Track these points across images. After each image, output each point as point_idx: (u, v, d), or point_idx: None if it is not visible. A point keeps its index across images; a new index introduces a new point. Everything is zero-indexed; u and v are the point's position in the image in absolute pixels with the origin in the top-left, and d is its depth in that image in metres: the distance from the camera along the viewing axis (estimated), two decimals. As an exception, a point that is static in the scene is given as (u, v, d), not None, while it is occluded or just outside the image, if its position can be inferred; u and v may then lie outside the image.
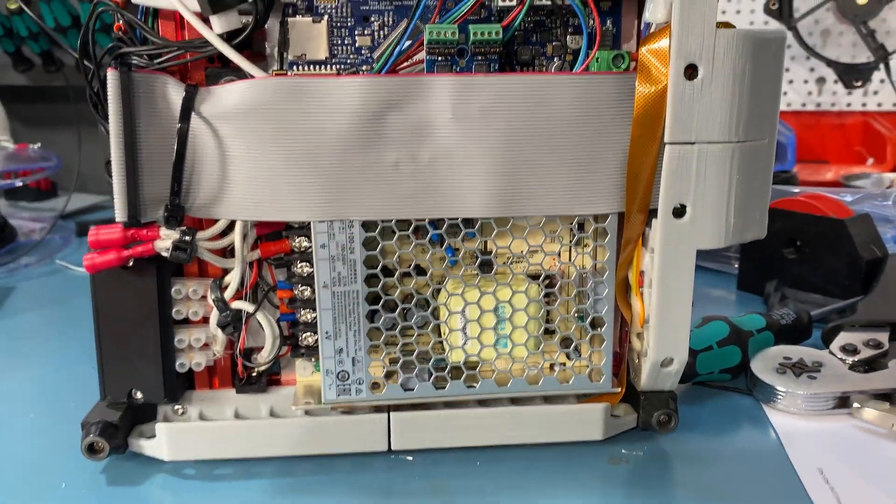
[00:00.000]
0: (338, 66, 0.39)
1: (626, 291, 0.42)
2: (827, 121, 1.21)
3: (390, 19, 0.39)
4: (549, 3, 0.37)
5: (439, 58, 0.37)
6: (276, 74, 0.39)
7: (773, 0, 1.05)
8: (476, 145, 0.38)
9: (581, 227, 0.41)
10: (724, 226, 0.39)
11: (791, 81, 1.20)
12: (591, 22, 0.39)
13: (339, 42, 0.39)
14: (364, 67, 0.39)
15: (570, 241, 0.41)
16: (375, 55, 0.39)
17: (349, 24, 0.39)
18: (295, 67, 0.39)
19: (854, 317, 0.54)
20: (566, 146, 0.38)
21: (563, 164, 0.38)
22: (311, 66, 0.39)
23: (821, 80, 1.18)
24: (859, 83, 1.04)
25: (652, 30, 0.38)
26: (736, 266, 0.72)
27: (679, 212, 0.39)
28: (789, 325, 0.55)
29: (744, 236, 0.40)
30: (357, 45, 0.39)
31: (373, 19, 0.39)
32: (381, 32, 0.39)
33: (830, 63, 1.07)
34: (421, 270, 0.40)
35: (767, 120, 0.39)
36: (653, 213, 0.39)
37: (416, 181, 0.38)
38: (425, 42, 0.37)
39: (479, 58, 0.38)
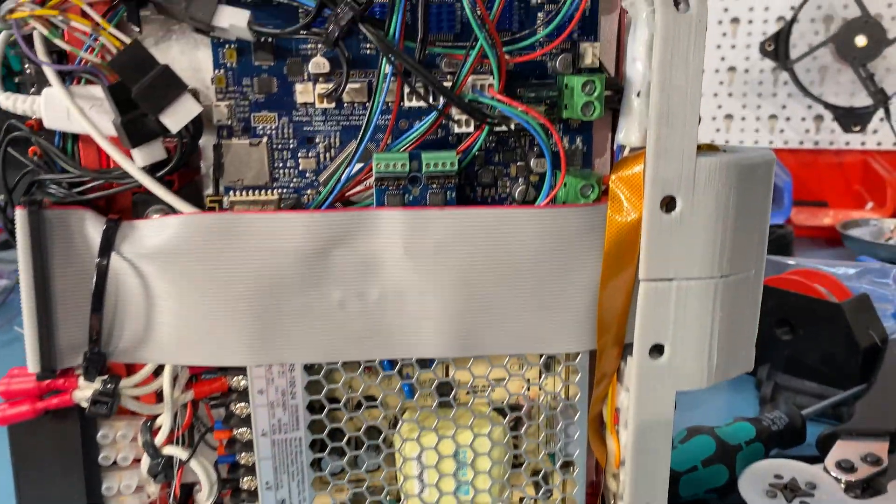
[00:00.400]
0: (280, 191, 0.36)
1: (600, 427, 0.38)
2: (825, 159, 1.17)
3: (337, 140, 0.35)
4: (506, 129, 0.34)
5: (390, 187, 0.34)
6: (210, 201, 0.35)
7: (768, 41, 1.02)
8: (430, 282, 0.34)
9: (549, 367, 0.37)
10: (707, 366, 0.35)
11: (788, 119, 1.16)
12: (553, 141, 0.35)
13: (281, 165, 0.35)
14: (308, 192, 0.36)
15: (539, 380, 0.37)
16: (322, 178, 0.36)
17: (291, 145, 0.35)
18: (231, 193, 0.35)
19: (850, 424, 0.50)
20: (530, 282, 0.34)
21: (527, 301, 0.35)
22: (250, 191, 0.35)
23: (819, 118, 1.15)
24: (858, 128, 1.00)
25: (625, 153, 0.35)
26: (727, 341, 0.68)
27: (656, 352, 0.35)
28: (781, 430, 0.51)
29: (728, 374, 0.37)
30: (301, 168, 0.35)
31: (317, 140, 0.35)
32: (328, 154, 0.35)
33: (828, 106, 1.04)
34: (373, 409, 0.37)
35: (754, 249, 0.36)
36: (628, 346, 0.36)
37: (364, 321, 0.34)
38: (374, 173, 0.33)
39: (434, 186, 0.34)
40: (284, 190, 0.36)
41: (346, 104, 0.35)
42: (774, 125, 1.18)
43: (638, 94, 0.33)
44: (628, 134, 0.34)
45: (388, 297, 0.34)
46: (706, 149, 0.35)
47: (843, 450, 0.48)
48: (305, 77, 0.34)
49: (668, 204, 0.33)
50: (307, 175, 0.36)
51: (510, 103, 0.32)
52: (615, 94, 0.35)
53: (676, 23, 0.31)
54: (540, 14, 0.35)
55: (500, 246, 0.34)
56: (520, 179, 0.36)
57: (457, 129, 0.34)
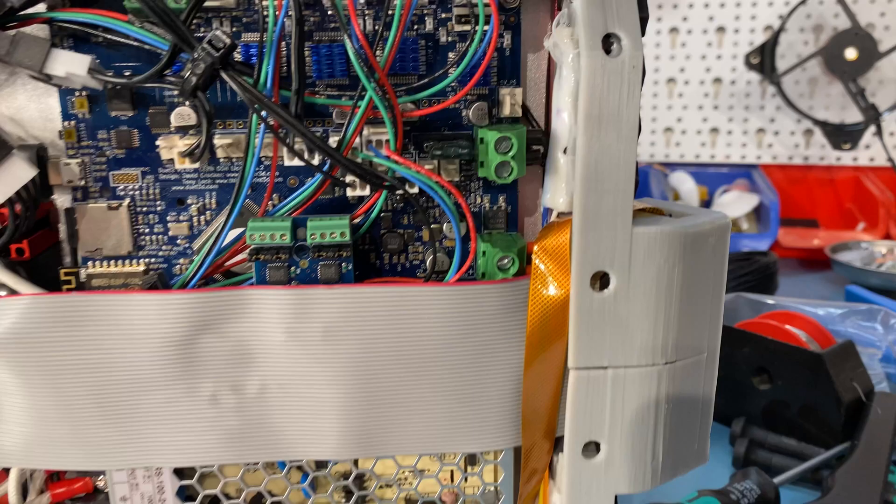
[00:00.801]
0: (147, 261, 0.30)
1: (531, 528, 0.33)
2: (815, 175, 1.12)
3: (213, 201, 0.30)
4: (405, 192, 0.28)
5: (271, 260, 0.28)
6: (66, 275, 0.30)
7: (753, 54, 0.96)
8: (320, 373, 0.29)
9: (472, 460, 0.32)
10: (650, 465, 0.30)
11: (777, 133, 1.11)
12: (471, 200, 0.30)
13: (147, 231, 0.30)
14: (182, 261, 0.30)
15: (458, 480, 0.32)
16: (195, 246, 0.30)
17: (158, 208, 0.30)
18: (90, 264, 0.30)
19: (829, 498, 0.45)
20: (440, 371, 0.29)
21: (438, 392, 0.29)
22: (111, 262, 0.30)
23: (808, 133, 1.09)
24: (848, 146, 0.95)
25: (552, 217, 0.29)
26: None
27: (591, 449, 0.30)
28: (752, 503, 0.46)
29: (676, 472, 0.31)
30: (171, 233, 0.30)
31: (190, 201, 0.30)
32: (202, 218, 0.30)
33: (818, 122, 0.98)
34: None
35: (707, 329, 0.30)
36: (561, 439, 0.30)
37: (242, 417, 0.29)
38: (248, 245, 0.28)
39: (325, 257, 0.28)
40: (152, 260, 0.30)
41: (221, 160, 0.29)
42: (762, 139, 1.12)
43: (565, 151, 0.28)
44: (554, 196, 0.29)
45: (269, 389, 0.29)
46: (649, 212, 0.30)
47: (819, 530, 0.43)
48: (172, 129, 0.29)
49: (601, 280, 0.28)
50: (178, 242, 0.30)
51: (405, 164, 0.27)
52: (546, 147, 0.29)
53: (605, 70, 0.26)
54: (451, 54, 0.29)
55: (403, 329, 0.29)
56: (436, 244, 0.31)
57: (350, 192, 0.29)
